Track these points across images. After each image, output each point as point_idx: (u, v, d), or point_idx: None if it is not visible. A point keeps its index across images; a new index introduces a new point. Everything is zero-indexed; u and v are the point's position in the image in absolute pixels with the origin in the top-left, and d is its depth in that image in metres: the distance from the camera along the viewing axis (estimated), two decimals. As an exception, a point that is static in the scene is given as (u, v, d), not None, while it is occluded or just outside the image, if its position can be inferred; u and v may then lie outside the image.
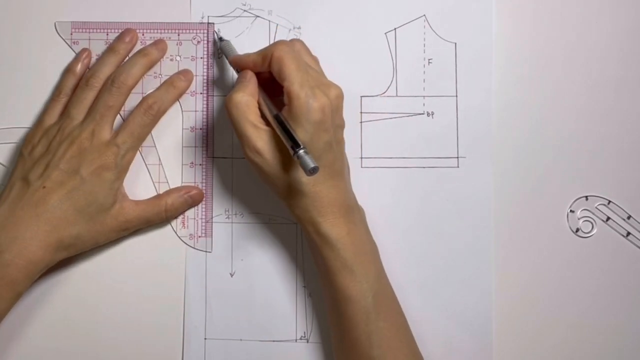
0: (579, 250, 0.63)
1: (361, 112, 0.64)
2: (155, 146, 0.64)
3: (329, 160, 0.56)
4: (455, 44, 0.63)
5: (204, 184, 0.64)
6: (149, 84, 0.64)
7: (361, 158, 0.63)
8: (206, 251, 0.64)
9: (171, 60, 0.64)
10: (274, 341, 0.63)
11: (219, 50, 0.64)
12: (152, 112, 0.62)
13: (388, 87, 0.63)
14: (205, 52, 0.64)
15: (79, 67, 0.63)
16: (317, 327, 0.63)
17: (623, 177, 0.62)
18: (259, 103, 0.58)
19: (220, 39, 0.63)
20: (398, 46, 0.64)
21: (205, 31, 0.64)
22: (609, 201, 0.63)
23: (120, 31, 0.64)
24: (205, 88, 0.64)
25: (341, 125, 0.58)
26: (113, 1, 0.64)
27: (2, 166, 0.64)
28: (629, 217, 0.62)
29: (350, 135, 0.62)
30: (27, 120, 0.64)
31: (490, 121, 0.63)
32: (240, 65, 0.60)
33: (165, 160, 0.64)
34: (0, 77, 0.65)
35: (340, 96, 0.57)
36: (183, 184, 0.64)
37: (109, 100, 0.61)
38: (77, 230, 0.59)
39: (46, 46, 0.64)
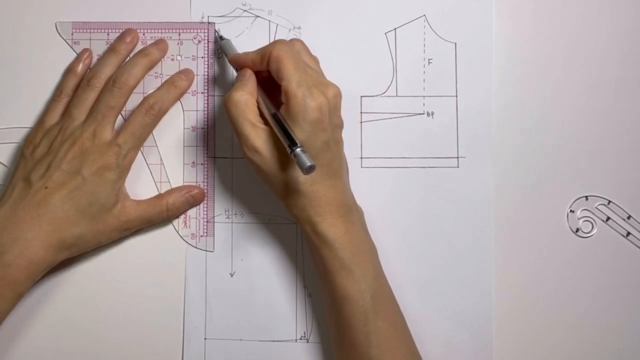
0: (579, 250, 0.63)
1: (361, 112, 0.64)
2: (156, 146, 0.64)
3: (327, 160, 0.56)
4: (455, 44, 0.63)
5: (205, 184, 0.64)
6: (150, 84, 0.64)
7: (361, 158, 0.63)
8: (208, 250, 0.64)
9: (172, 60, 0.64)
10: (274, 341, 0.63)
11: (219, 48, 0.64)
12: (153, 112, 0.62)
13: (388, 87, 0.63)
14: (206, 52, 0.64)
15: (80, 68, 0.64)
16: (317, 327, 0.63)
17: (623, 177, 0.62)
18: (257, 102, 0.58)
19: (221, 37, 0.63)
20: (398, 46, 0.64)
21: (206, 31, 0.64)
22: (609, 201, 0.62)
23: (121, 31, 0.64)
24: (206, 87, 0.64)
25: (339, 125, 0.58)
26: (113, 1, 0.65)
27: (3, 166, 0.65)
28: (629, 217, 0.62)
29: (350, 135, 0.63)
30: (27, 120, 0.64)
31: (490, 121, 0.63)
32: (238, 64, 0.60)
33: (166, 159, 0.64)
34: (1, 77, 0.65)
35: (338, 95, 0.57)
36: (184, 184, 0.64)
37: (111, 100, 0.61)
38: (79, 231, 0.59)
39: (47, 46, 0.65)
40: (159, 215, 0.63)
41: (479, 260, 0.63)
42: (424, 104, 0.63)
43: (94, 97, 0.62)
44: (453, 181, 0.63)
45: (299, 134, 0.54)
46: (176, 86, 0.63)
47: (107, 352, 0.63)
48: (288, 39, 0.62)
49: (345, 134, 0.59)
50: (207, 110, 0.64)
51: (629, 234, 0.62)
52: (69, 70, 0.64)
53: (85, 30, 0.65)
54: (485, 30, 0.63)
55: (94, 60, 0.64)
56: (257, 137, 0.56)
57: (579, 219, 0.63)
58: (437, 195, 0.63)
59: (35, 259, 0.58)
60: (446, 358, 0.62)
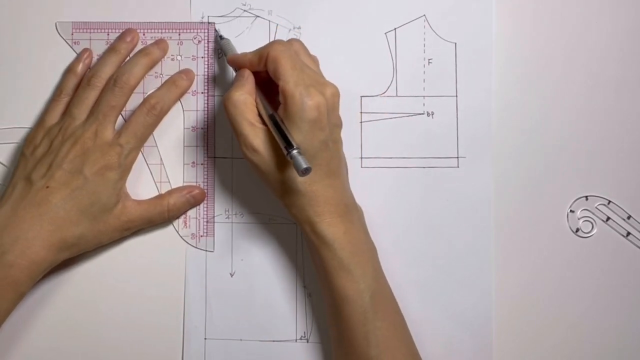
0: (579, 250, 0.63)
1: (361, 112, 0.64)
2: (156, 146, 0.64)
3: (325, 159, 0.56)
4: (455, 44, 0.63)
5: (205, 184, 0.64)
6: (150, 83, 0.64)
7: (361, 158, 0.63)
8: (208, 250, 0.64)
9: (172, 60, 0.64)
10: (274, 341, 0.63)
11: (219, 48, 0.64)
12: (155, 112, 0.62)
13: (388, 87, 0.63)
14: (206, 52, 0.64)
15: (80, 67, 0.63)
16: (317, 327, 0.63)
17: (623, 177, 0.62)
18: (256, 102, 0.58)
19: (221, 37, 0.63)
20: (398, 46, 0.64)
21: (206, 31, 0.64)
22: (609, 201, 0.62)
23: (121, 31, 0.64)
24: (206, 87, 0.64)
25: (338, 125, 0.58)
26: (114, 1, 0.65)
27: (3, 166, 0.65)
28: (629, 217, 0.62)
29: (350, 135, 0.63)
30: (27, 120, 0.64)
31: (490, 121, 0.63)
32: (237, 64, 0.60)
33: (166, 160, 0.64)
34: (1, 78, 0.65)
35: (336, 95, 0.57)
36: (185, 184, 0.64)
37: (112, 100, 0.61)
38: (80, 230, 0.59)
39: (47, 46, 0.65)
40: (160, 215, 0.63)
41: (479, 260, 0.63)
42: (424, 104, 0.63)
43: (95, 97, 0.62)
44: (453, 181, 0.63)
45: (296, 134, 0.54)
46: (177, 86, 0.63)
47: (107, 351, 0.63)
48: (287, 39, 0.62)
49: (345, 134, 0.59)
50: (207, 110, 0.64)
51: (629, 234, 0.62)
52: (69, 70, 0.64)
53: (85, 30, 0.65)
54: (485, 30, 0.63)
55: (94, 60, 0.64)
56: (256, 136, 0.56)
57: (579, 219, 0.63)
58: (437, 195, 0.63)
59: (37, 259, 0.58)
60: (446, 358, 0.62)
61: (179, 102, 0.64)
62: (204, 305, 0.63)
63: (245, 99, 0.57)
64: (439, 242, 0.63)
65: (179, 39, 0.64)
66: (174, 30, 0.64)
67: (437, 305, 0.63)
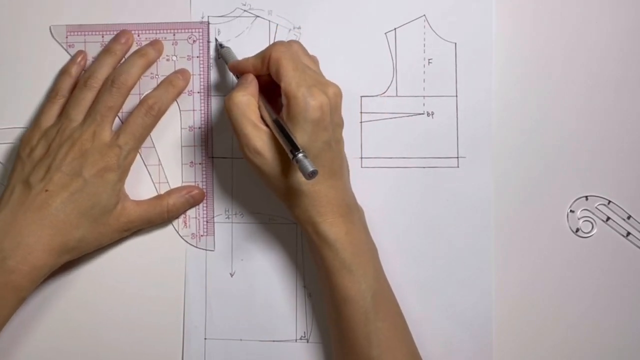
0: (579, 250, 0.63)
1: (361, 112, 0.64)
2: (154, 147, 0.64)
3: (328, 160, 0.56)
4: (455, 44, 0.63)
5: (204, 183, 0.64)
6: (146, 84, 0.64)
7: (361, 158, 0.63)
8: (208, 250, 0.64)
9: (167, 60, 0.64)
10: (274, 341, 0.63)
11: (220, 57, 0.64)
12: (153, 112, 0.62)
13: (388, 87, 0.63)
14: (201, 51, 0.64)
15: (74, 69, 0.63)
16: (317, 327, 0.63)
17: (623, 177, 0.62)
18: (258, 106, 0.58)
19: (221, 45, 0.63)
20: (398, 46, 0.64)
21: (200, 30, 0.64)
22: (609, 201, 0.62)
23: (115, 33, 0.64)
24: (202, 87, 0.64)
25: (340, 124, 0.58)
26: (113, 3, 0.64)
27: (2, 165, 0.65)
28: (629, 217, 0.62)
29: (350, 135, 0.63)
30: (23, 120, 0.64)
31: (490, 121, 0.63)
32: (239, 70, 0.60)
33: (164, 160, 0.64)
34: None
35: (338, 94, 0.57)
36: (184, 184, 0.64)
37: (109, 100, 0.61)
38: (80, 233, 0.59)
39: (42, 50, 0.64)
40: (159, 215, 0.63)
41: (479, 260, 0.63)
42: (424, 104, 0.63)
43: (92, 98, 0.61)
44: (453, 181, 0.63)
45: (300, 134, 0.54)
46: (174, 85, 0.63)
47: (107, 352, 0.63)
48: (287, 40, 0.62)
49: (345, 134, 0.59)
50: (204, 110, 0.64)
51: (629, 234, 0.62)
52: (64, 72, 0.63)
53: (79, 33, 0.64)
54: (485, 30, 0.63)
55: (89, 62, 0.64)
56: (259, 138, 0.56)
57: (579, 219, 0.63)
58: (437, 195, 0.63)
59: (38, 264, 0.58)
60: (446, 358, 0.62)
61: (175, 102, 0.64)
62: (204, 305, 0.63)
63: (248, 100, 0.57)
64: (439, 242, 0.63)
65: (174, 39, 0.64)
66: (168, 31, 0.64)
67: (437, 305, 0.63)
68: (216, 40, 0.64)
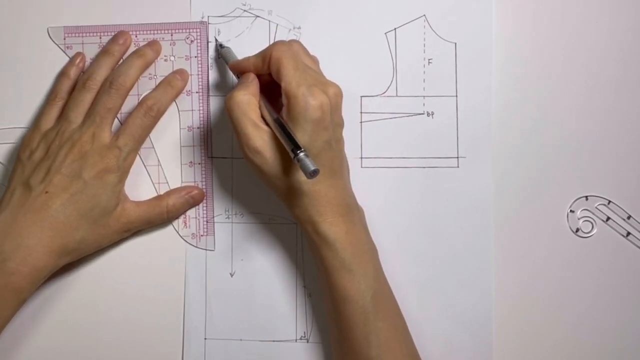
0: (579, 250, 0.63)
1: (361, 112, 0.64)
2: (153, 147, 0.64)
3: (328, 159, 0.56)
4: (455, 44, 0.63)
5: (203, 183, 0.64)
6: (144, 85, 0.64)
7: (361, 158, 0.63)
8: (208, 250, 0.64)
9: (165, 60, 0.64)
10: (274, 341, 0.63)
11: (220, 57, 0.64)
12: (152, 113, 0.62)
13: (388, 87, 0.63)
14: (199, 51, 0.64)
15: (73, 71, 0.63)
16: (317, 327, 0.63)
17: (623, 177, 0.62)
18: (259, 105, 0.58)
19: (221, 45, 0.63)
20: (398, 46, 0.63)
21: (198, 30, 0.64)
22: (609, 201, 0.62)
23: (113, 34, 0.64)
24: (200, 87, 0.64)
25: (340, 124, 0.58)
26: (113, 4, 0.64)
27: (2, 165, 0.64)
28: (629, 217, 0.62)
29: (350, 135, 0.62)
30: (24, 120, 0.64)
31: (490, 121, 0.63)
32: (239, 69, 0.60)
33: (164, 160, 0.64)
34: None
35: (339, 94, 0.57)
36: (183, 184, 0.64)
37: (108, 102, 0.61)
38: (80, 235, 0.59)
39: (40, 52, 0.64)
40: (159, 216, 0.63)
41: (479, 260, 0.63)
42: (424, 104, 0.63)
43: (90, 99, 0.61)
44: (453, 181, 0.63)
45: (300, 134, 0.54)
46: (172, 86, 0.63)
47: (107, 352, 0.63)
48: (287, 40, 0.62)
49: (345, 134, 0.59)
50: (203, 110, 0.64)
51: (629, 234, 0.62)
52: (63, 74, 0.63)
53: (77, 35, 0.64)
54: (485, 30, 0.63)
55: (87, 63, 0.64)
56: (259, 137, 0.56)
57: (579, 219, 0.63)
58: (437, 195, 0.63)
59: (38, 266, 0.58)
60: (446, 358, 0.62)
61: (173, 103, 0.64)
62: (204, 305, 0.63)
63: (249, 99, 0.57)
64: (439, 242, 0.63)
65: (172, 40, 0.64)
66: (166, 31, 0.64)
67: (437, 305, 0.63)
68: (216, 40, 0.64)
